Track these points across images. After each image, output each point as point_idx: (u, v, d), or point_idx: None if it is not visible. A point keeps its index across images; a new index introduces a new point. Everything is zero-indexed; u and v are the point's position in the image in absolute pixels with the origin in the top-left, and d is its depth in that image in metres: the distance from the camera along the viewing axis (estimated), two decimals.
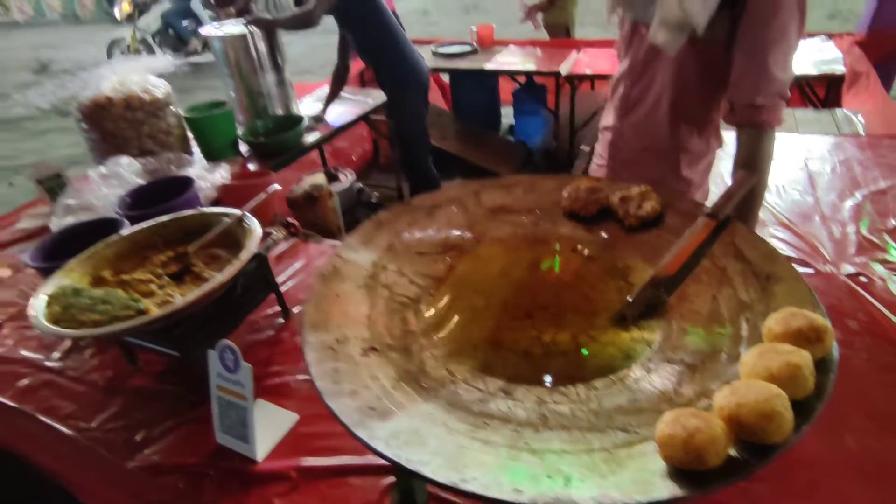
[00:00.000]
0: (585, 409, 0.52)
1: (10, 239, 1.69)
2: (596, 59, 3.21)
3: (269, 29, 2.29)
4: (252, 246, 0.98)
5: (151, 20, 6.72)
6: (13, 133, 5.72)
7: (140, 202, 1.39)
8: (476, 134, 3.69)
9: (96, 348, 1.15)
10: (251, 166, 2.11)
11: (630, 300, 0.66)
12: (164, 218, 1.14)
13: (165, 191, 1.41)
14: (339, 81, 2.73)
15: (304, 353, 0.59)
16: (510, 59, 3.37)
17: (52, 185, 1.82)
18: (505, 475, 0.43)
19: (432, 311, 0.71)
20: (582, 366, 0.62)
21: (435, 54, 3.67)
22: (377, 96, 2.80)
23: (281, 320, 1.16)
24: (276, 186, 1.18)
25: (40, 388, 1.08)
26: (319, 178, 2.45)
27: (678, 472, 0.43)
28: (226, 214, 1.11)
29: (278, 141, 2.17)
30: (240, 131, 2.23)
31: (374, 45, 2.59)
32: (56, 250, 1.19)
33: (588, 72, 3.06)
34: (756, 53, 0.94)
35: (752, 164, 0.96)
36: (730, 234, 0.73)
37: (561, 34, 3.83)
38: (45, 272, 1.13)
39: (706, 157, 1.11)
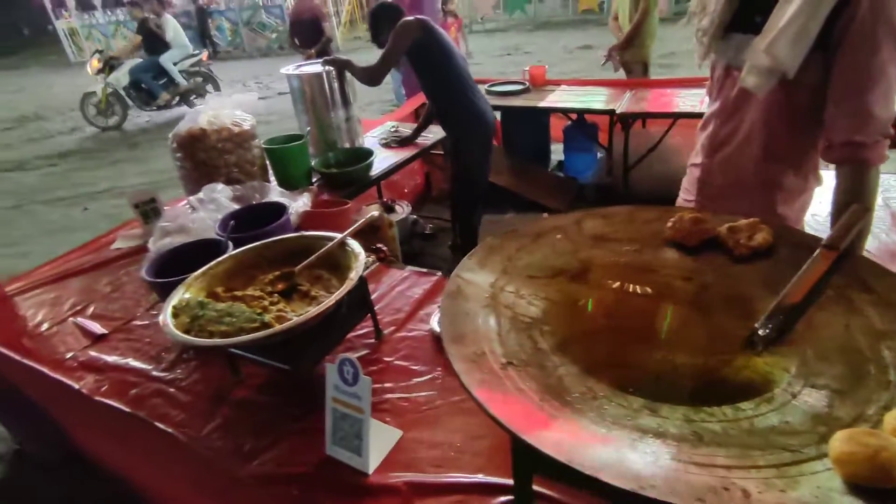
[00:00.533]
0: (738, 429, 0.54)
1: (109, 257, 1.81)
2: (647, 100, 3.26)
3: (344, 69, 2.43)
4: (359, 268, 1.04)
5: (121, 75, 6.93)
6: (91, 161, 6.15)
7: (238, 226, 1.48)
8: (527, 169, 3.76)
9: (200, 360, 1.22)
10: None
11: (759, 326, 0.67)
12: (268, 240, 1.22)
13: (260, 216, 1.50)
14: (429, 119, 2.84)
15: (452, 364, 0.63)
16: (563, 98, 3.45)
17: (146, 209, 1.96)
18: (681, 485, 0.45)
19: (556, 331, 0.74)
20: (719, 388, 0.63)
21: (488, 92, 3.79)
22: (435, 132, 2.91)
23: (373, 340, 1.20)
24: (375, 213, 1.25)
25: (150, 396, 1.14)
26: (376, 208, 2.54)
27: (858, 489, 0.43)
28: (327, 238, 1.18)
29: (350, 172, 2.28)
30: (312, 162, 2.35)
31: (439, 91, 2.60)
32: (166, 267, 1.29)
33: (643, 110, 3.10)
34: (854, 95, 0.96)
35: (853, 201, 0.97)
36: (851, 265, 0.74)
37: (638, 72, 3.90)
38: (160, 287, 1.22)
39: (803, 194, 1.12)
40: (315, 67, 2.49)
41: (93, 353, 1.31)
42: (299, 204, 1.80)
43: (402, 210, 3.24)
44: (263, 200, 1.81)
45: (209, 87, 7.79)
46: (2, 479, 2.01)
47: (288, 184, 2.21)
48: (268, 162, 2.20)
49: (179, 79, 7.24)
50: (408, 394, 1.04)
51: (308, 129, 2.38)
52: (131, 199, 1.92)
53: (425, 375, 1.08)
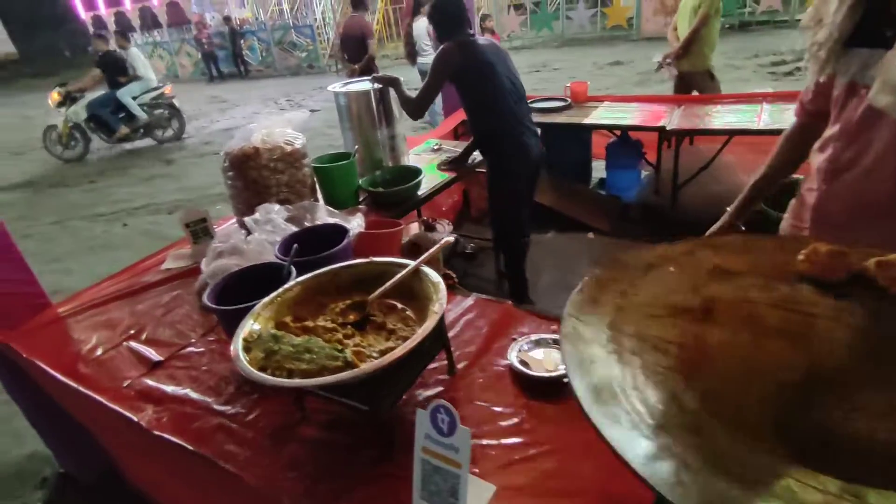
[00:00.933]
0: None
1: (159, 279, 1.77)
2: (698, 115, 3.14)
3: (391, 88, 2.39)
4: (442, 300, 0.96)
5: (79, 109, 6.92)
6: (126, 178, 6.27)
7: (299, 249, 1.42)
8: (568, 187, 3.66)
9: (262, 393, 1.15)
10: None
11: None
12: (338, 266, 1.15)
13: (320, 238, 1.44)
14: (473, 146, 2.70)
15: (600, 430, 0.54)
16: (607, 114, 3.36)
17: (197, 229, 1.93)
18: None
19: (695, 384, 0.64)
20: None
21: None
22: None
23: (446, 376, 1.12)
24: (450, 239, 1.18)
25: (212, 432, 1.08)
26: (415, 227, 2.47)
27: None
28: (400, 265, 1.11)
29: (399, 191, 2.22)
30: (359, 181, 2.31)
31: (478, 116, 2.41)
32: (226, 292, 1.23)
33: (694, 126, 2.99)
34: None
35: None
36: None
37: (700, 81, 3.77)
38: (225, 316, 1.16)
39: None
40: (362, 85, 2.45)
41: (149, 382, 1.25)
42: (353, 225, 1.74)
43: (444, 229, 3.17)
44: (317, 222, 1.76)
45: (174, 122, 7.74)
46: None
47: (335, 203, 2.16)
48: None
49: (138, 112, 7.17)
50: (494, 440, 0.95)
51: (356, 147, 2.33)
52: (183, 217, 1.89)
53: (510, 419, 0.99)
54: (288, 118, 1.99)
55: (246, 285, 1.24)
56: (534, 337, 1.16)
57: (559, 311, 0.79)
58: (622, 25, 11.37)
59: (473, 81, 2.29)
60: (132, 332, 1.47)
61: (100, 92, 7.16)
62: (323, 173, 2.15)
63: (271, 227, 1.59)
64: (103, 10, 16.70)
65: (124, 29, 9.31)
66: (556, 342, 1.11)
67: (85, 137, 7.21)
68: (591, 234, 3.32)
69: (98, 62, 7.07)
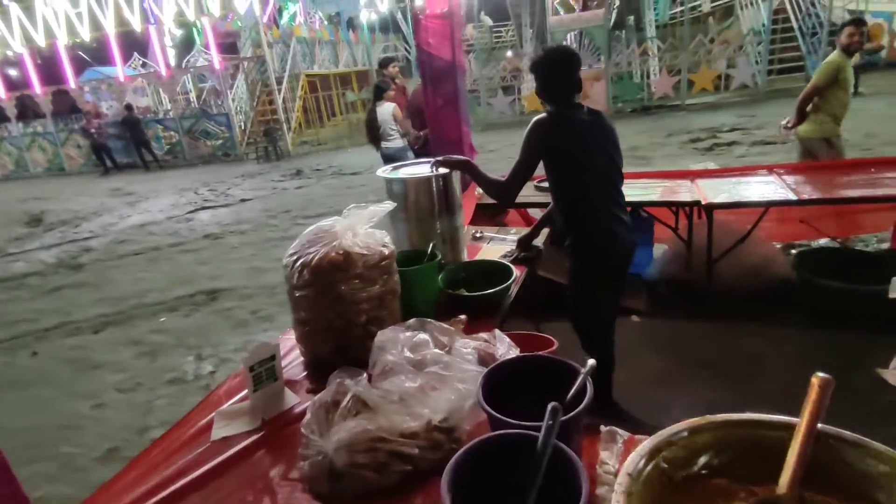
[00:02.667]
0: None
1: (218, 464, 1.17)
2: (712, 188, 3.15)
3: (462, 170, 2.05)
4: None
5: None
6: (22, 291, 5.11)
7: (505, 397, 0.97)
8: None
9: None
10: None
11: None
12: (680, 435, 0.72)
13: (520, 376, 1.00)
14: (545, 221, 2.41)
15: None
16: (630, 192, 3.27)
17: (262, 371, 1.36)
18: None
19: None
20: None
21: (537, 188, 3.58)
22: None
23: None
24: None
25: None
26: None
27: None
28: (786, 425, 0.71)
29: (491, 295, 1.81)
30: None
31: (561, 197, 2.09)
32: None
33: (726, 199, 2.95)
34: None
35: None
36: None
37: (821, 149, 3.72)
38: None
39: None
40: (419, 169, 2.09)
41: None
42: (501, 349, 1.30)
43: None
44: (454, 344, 1.30)
45: None
46: None
47: (414, 313, 1.70)
48: None
49: None
50: None
51: (433, 243, 1.91)
52: (251, 359, 1.32)
53: None
54: (372, 212, 1.54)
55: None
56: None
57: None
58: (539, 109, 12.25)
59: (562, 161, 2.00)
60: None
61: None
62: (405, 277, 1.69)
63: (436, 363, 1.11)
64: None
65: None
66: None
67: None
68: (634, 318, 3.09)
69: None
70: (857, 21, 3.46)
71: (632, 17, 14.36)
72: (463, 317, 1.67)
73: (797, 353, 2.61)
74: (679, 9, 15.09)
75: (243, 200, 8.23)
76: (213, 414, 1.36)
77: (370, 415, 1.14)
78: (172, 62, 15.69)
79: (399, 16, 18.52)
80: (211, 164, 13.10)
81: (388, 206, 1.60)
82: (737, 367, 2.61)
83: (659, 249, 3.72)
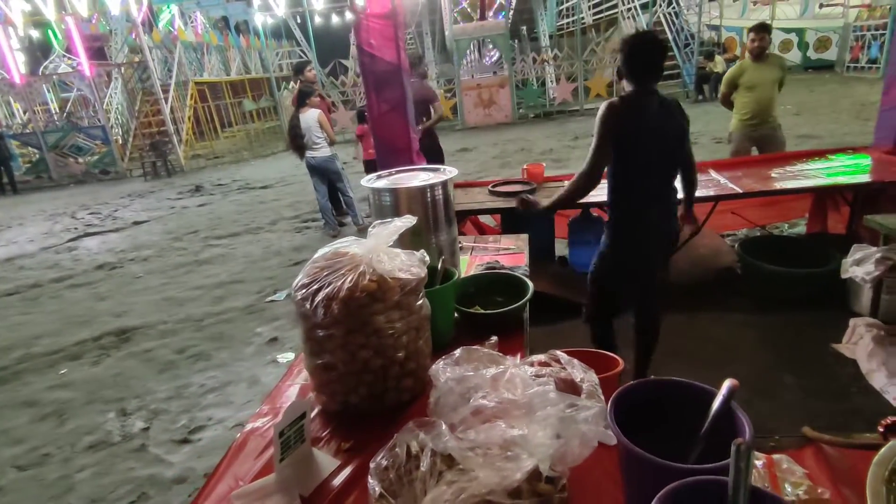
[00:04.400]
0: None
1: None
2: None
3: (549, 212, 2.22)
4: None
5: None
6: None
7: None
8: (548, 269, 3.45)
9: None
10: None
11: None
12: None
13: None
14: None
15: None
16: None
17: (290, 435, 1.09)
18: None
19: None
20: None
21: (492, 192, 3.51)
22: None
23: None
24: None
25: None
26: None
27: None
28: None
29: (509, 312, 1.66)
30: None
31: (611, 175, 2.12)
32: None
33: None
34: None
35: None
36: None
37: (738, 143, 4.02)
38: None
39: None
40: (413, 178, 1.88)
41: None
42: (580, 372, 1.16)
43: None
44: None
45: None
46: None
47: (436, 339, 1.51)
48: None
49: None
50: None
51: (442, 258, 1.71)
52: (283, 421, 1.04)
53: None
54: (396, 227, 1.32)
55: None
56: None
57: None
58: (448, 118, 12.34)
59: (620, 142, 1.99)
60: None
61: None
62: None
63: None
64: None
65: None
66: None
67: None
68: None
69: None
70: (760, 27, 3.82)
71: (524, 28, 15.08)
72: (494, 339, 1.50)
73: (759, 336, 2.77)
74: (566, 20, 16.17)
75: (137, 223, 7.27)
76: (232, 499, 1.06)
77: (460, 473, 0.94)
78: (23, 69, 13.57)
79: (293, 22, 17.76)
80: (86, 183, 11.50)
81: (410, 219, 1.39)
82: (708, 354, 2.70)
83: None
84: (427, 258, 1.32)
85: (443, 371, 1.15)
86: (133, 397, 2.92)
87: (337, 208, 5.67)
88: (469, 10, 14.38)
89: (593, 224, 3.62)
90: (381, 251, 1.27)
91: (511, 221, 3.65)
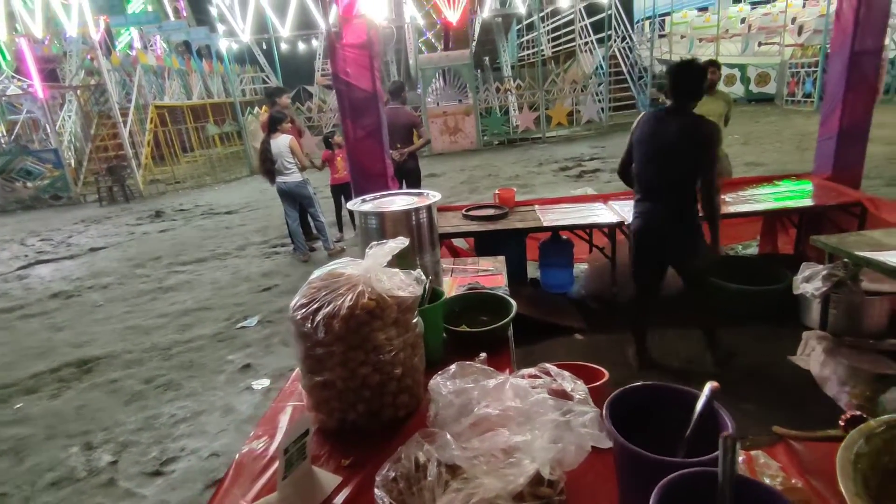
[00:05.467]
0: None
1: None
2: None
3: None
4: None
5: None
6: None
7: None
8: (522, 291, 3.54)
9: None
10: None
11: None
12: None
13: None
14: None
15: None
16: (557, 217, 3.45)
17: (293, 453, 1.11)
18: None
19: None
20: None
21: (466, 216, 3.61)
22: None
23: None
24: None
25: None
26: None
27: None
28: None
29: (494, 330, 1.72)
30: None
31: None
32: None
33: None
34: None
35: None
36: None
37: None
38: None
39: None
40: (399, 201, 1.94)
41: None
42: (570, 382, 1.23)
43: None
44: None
45: None
46: None
47: (428, 356, 1.56)
48: None
49: None
50: None
51: (429, 278, 1.76)
52: (286, 438, 1.06)
53: None
54: (391, 248, 1.37)
55: None
56: None
57: None
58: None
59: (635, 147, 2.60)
60: None
61: None
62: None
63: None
64: None
65: None
66: None
67: None
68: (578, 336, 3.20)
69: None
70: (710, 62, 4.13)
71: (487, 58, 15.59)
72: (484, 355, 1.56)
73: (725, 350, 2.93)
74: (526, 52, 16.84)
75: (94, 249, 6.99)
76: None
77: (465, 481, 0.98)
78: None
79: (256, 48, 17.77)
80: (35, 208, 11.00)
81: (403, 241, 1.45)
82: (680, 367, 2.84)
83: (578, 269, 3.97)
84: (423, 277, 1.38)
85: (443, 385, 1.20)
86: (99, 430, 2.80)
87: (307, 233, 5.64)
88: (433, 40, 14.79)
89: (564, 246, 3.76)
90: (378, 271, 1.32)
91: (484, 244, 3.75)
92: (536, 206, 3.73)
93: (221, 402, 2.97)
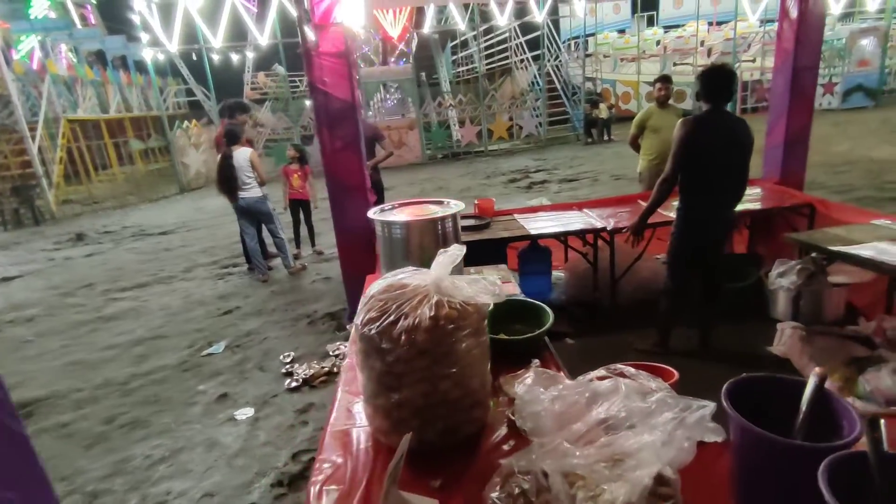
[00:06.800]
0: None
1: None
2: (614, 216, 3.60)
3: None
4: None
5: None
6: None
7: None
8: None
9: None
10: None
11: None
12: None
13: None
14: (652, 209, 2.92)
15: None
16: (538, 225, 3.50)
17: (391, 476, 1.02)
18: None
19: None
20: None
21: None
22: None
23: None
24: None
25: None
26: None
27: None
28: None
29: (533, 338, 1.70)
30: None
31: (682, 181, 2.71)
32: None
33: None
34: None
35: None
36: None
37: (646, 180, 4.35)
38: None
39: None
40: (424, 211, 1.88)
41: None
42: (653, 382, 1.23)
43: None
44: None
45: None
46: None
47: None
48: None
49: None
50: None
51: None
52: (393, 461, 0.96)
53: None
54: (453, 255, 1.31)
55: None
56: None
57: None
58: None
59: (687, 153, 2.59)
60: None
61: None
62: None
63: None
64: None
65: None
66: None
67: None
68: (569, 340, 3.25)
69: None
70: (664, 78, 4.40)
71: (424, 74, 15.75)
72: (536, 361, 1.54)
73: (703, 347, 3.09)
74: (462, 68, 17.21)
75: (6, 279, 6.22)
76: None
77: (589, 489, 0.95)
78: None
79: (178, 60, 16.78)
80: None
81: (461, 248, 1.39)
82: (672, 365, 2.94)
83: (555, 276, 4.04)
84: (499, 285, 1.33)
85: (531, 391, 1.16)
86: (58, 480, 2.45)
87: (262, 251, 5.35)
88: (371, 55, 14.74)
89: (542, 255, 3.82)
90: (453, 278, 1.26)
91: (469, 255, 3.72)
92: (515, 215, 3.78)
93: (201, 436, 2.70)
